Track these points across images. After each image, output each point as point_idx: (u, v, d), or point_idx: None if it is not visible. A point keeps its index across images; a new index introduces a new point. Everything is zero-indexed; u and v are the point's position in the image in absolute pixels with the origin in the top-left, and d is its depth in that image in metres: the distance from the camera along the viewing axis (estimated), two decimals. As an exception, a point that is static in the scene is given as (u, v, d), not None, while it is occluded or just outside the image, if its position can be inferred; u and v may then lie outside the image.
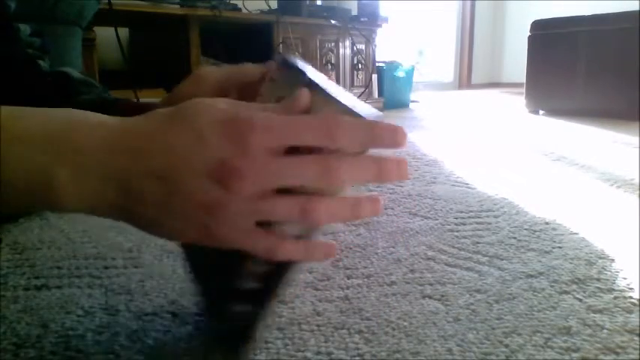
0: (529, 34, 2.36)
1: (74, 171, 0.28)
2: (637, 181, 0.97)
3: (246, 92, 0.40)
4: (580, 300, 0.48)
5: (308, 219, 0.29)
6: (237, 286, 0.38)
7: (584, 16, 2.20)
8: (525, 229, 0.69)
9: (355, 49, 2.47)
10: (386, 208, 0.79)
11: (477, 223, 0.72)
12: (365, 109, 0.33)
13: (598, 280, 0.52)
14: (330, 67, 2.36)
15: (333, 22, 2.28)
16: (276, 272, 0.37)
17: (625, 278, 0.53)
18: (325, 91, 0.31)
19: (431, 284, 0.52)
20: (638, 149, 1.34)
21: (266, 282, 0.37)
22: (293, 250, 0.32)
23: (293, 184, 0.29)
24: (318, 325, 0.43)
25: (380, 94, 2.67)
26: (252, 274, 0.38)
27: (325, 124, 0.28)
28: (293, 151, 0.29)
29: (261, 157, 0.28)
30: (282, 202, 0.29)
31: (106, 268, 0.56)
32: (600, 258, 0.58)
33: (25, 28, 0.67)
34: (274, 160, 0.28)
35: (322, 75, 0.36)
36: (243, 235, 0.30)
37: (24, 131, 0.28)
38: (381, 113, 0.33)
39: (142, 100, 1.11)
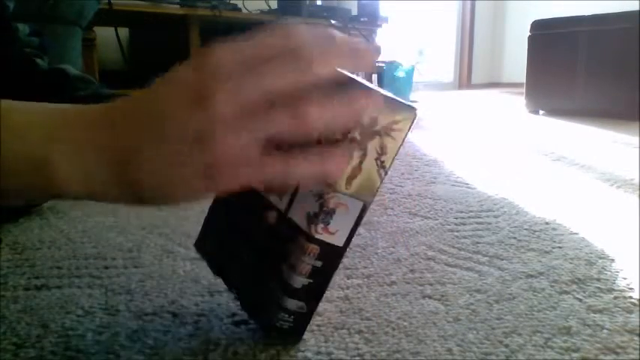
0: (529, 34, 2.36)
1: (68, 147, 0.28)
2: (637, 181, 0.97)
3: None
4: (580, 300, 0.48)
5: (302, 122, 0.28)
6: (289, 283, 0.37)
7: (584, 16, 2.20)
8: (525, 229, 0.69)
9: (355, 49, 2.47)
10: (386, 208, 0.79)
11: (477, 223, 0.72)
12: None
13: (598, 280, 0.52)
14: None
15: (333, 22, 2.28)
16: (324, 269, 0.37)
17: (625, 278, 0.53)
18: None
19: (431, 284, 0.52)
20: (638, 149, 1.34)
21: (315, 278, 0.38)
22: (307, 164, 0.30)
23: (270, 87, 0.29)
24: (318, 325, 0.43)
25: (380, 94, 2.67)
26: (303, 270, 0.38)
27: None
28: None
29: (230, 72, 0.28)
30: (273, 113, 0.28)
31: (106, 268, 0.56)
32: (600, 258, 0.58)
33: (23, 28, 0.67)
34: (246, 71, 0.28)
35: None
36: (250, 166, 0.29)
37: (18, 121, 0.28)
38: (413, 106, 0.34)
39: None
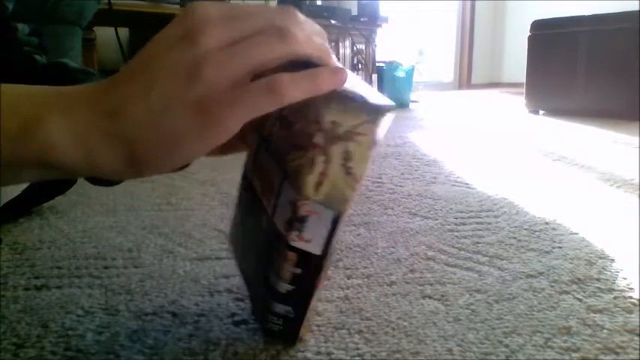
0: (529, 34, 2.36)
1: (61, 107, 0.28)
2: (637, 181, 0.97)
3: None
4: (580, 300, 0.48)
5: (277, 91, 0.29)
6: (275, 288, 0.37)
7: (584, 16, 2.21)
8: (525, 229, 0.69)
9: (355, 49, 2.47)
10: (386, 208, 0.79)
11: (477, 223, 0.72)
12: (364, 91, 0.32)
13: (598, 280, 0.52)
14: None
15: (333, 22, 2.28)
16: (304, 276, 0.37)
17: (625, 278, 0.53)
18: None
19: (431, 284, 0.52)
20: (638, 149, 1.34)
21: (298, 285, 0.37)
22: (296, 82, 0.30)
23: (248, 31, 0.29)
24: (318, 325, 0.43)
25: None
26: (284, 276, 0.38)
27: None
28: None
29: (215, 18, 0.29)
30: (254, 84, 0.29)
31: (106, 268, 0.56)
32: (600, 258, 0.58)
33: (23, 28, 0.67)
34: (228, 16, 0.29)
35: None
36: (240, 96, 0.28)
37: (12, 92, 0.28)
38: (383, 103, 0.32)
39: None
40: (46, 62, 0.65)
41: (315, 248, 0.35)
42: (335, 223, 0.34)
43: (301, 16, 0.32)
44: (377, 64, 2.61)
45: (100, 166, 0.29)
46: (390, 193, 0.90)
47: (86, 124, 0.28)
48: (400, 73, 2.74)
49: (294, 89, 0.29)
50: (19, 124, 0.27)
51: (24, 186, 0.72)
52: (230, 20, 0.29)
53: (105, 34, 1.61)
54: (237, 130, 0.29)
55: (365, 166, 0.33)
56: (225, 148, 0.33)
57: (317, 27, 0.33)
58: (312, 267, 0.36)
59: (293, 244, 0.35)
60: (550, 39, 2.27)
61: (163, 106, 0.28)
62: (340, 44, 2.38)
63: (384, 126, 0.32)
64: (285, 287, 0.37)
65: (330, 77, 0.30)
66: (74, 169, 0.29)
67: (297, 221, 0.35)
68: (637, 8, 2.06)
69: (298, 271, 0.36)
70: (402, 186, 0.95)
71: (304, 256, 0.36)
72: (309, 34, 0.31)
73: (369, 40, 2.53)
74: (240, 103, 0.29)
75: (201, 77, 0.28)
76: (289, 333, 0.39)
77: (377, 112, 0.31)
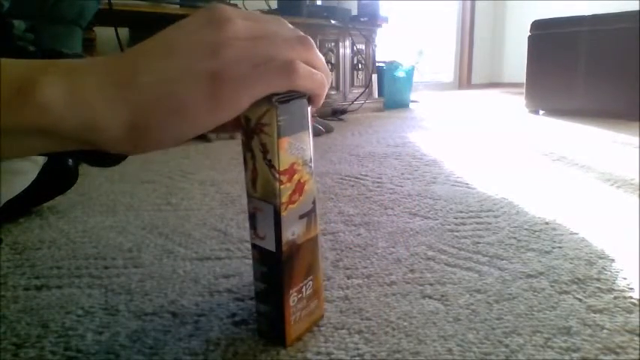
0: (529, 34, 2.36)
1: (63, 75, 0.27)
2: (637, 181, 0.97)
3: None
4: (580, 300, 0.48)
5: (292, 74, 0.31)
6: (254, 287, 0.39)
7: (584, 16, 2.20)
8: (525, 229, 0.69)
9: (355, 49, 2.46)
10: (386, 208, 0.79)
11: (477, 223, 0.72)
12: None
13: (598, 280, 0.52)
14: (330, 67, 2.36)
15: (333, 22, 2.28)
16: (270, 273, 0.37)
17: (625, 278, 0.53)
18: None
19: (431, 284, 0.52)
20: (638, 149, 1.34)
21: (268, 283, 0.38)
22: (308, 75, 0.32)
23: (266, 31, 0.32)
24: (318, 325, 0.43)
25: (380, 94, 2.67)
26: (256, 275, 0.39)
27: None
28: None
29: (239, 15, 0.31)
30: (272, 62, 0.30)
31: (106, 268, 0.56)
32: (600, 258, 0.58)
33: (19, 24, 0.67)
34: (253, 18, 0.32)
35: None
36: (257, 73, 0.29)
37: (10, 61, 0.27)
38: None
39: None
40: (39, 51, 0.65)
41: (270, 245, 0.36)
42: (277, 217, 0.35)
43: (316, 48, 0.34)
44: (377, 64, 2.61)
45: (99, 132, 0.27)
46: (390, 193, 0.90)
47: (89, 90, 0.27)
48: (400, 73, 2.74)
49: (306, 80, 0.31)
50: (14, 88, 0.26)
51: (24, 186, 0.72)
52: (251, 20, 0.31)
53: (105, 34, 1.61)
54: (246, 106, 0.30)
55: (279, 156, 0.34)
56: (225, 127, 0.34)
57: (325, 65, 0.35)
58: (274, 264, 0.37)
59: (253, 241, 0.38)
60: (550, 39, 2.27)
61: (178, 74, 0.28)
62: (340, 44, 2.38)
63: (300, 115, 0.34)
64: (259, 286, 0.39)
65: (322, 97, 0.35)
66: (70, 135, 0.27)
67: (250, 218, 0.37)
68: (637, 8, 2.06)
69: (265, 269, 0.38)
70: (402, 186, 0.95)
71: (264, 254, 0.37)
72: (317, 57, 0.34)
73: (369, 40, 2.53)
74: (255, 79, 0.30)
75: (220, 55, 0.29)
76: (276, 333, 0.40)
77: (276, 100, 0.32)
